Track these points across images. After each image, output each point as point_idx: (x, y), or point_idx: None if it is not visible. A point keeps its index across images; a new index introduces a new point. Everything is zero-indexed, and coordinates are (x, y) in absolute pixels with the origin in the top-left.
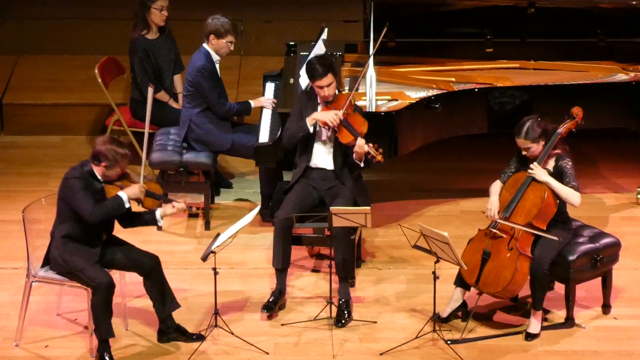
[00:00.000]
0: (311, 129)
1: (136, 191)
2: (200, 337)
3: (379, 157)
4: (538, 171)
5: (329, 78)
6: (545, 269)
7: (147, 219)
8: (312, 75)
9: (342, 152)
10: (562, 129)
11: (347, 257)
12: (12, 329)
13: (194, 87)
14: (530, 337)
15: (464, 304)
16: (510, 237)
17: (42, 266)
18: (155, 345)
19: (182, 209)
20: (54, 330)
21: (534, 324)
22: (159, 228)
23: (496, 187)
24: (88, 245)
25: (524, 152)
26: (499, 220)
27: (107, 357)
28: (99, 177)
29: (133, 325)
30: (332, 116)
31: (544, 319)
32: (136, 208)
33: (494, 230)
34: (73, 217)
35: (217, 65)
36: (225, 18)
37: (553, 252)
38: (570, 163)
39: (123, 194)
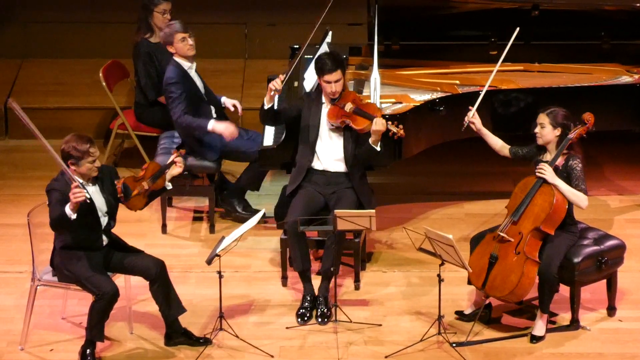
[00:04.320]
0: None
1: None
2: (207, 341)
3: (401, 132)
4: (549, 172)
5: (338, 74)
6: (555, 273)
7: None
8: (322, 70)
9: (353, 145)
10: (573, 135)
11: (338, 254)
12: (17, 332)
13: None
14: (535, 339)
15: (488, 306)
16: (518, 241)
17: (51, 264)
18: (161, 349)
19: (182, 164)
20: (59, 334)
21: (539, 326)
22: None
23: (496, 139)
24: (90, 251)
25: (536, 130)
26: (501, 233)
27: (89, 354)
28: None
29: (138, 329)
30: (273, 84)
31: (550, 322)
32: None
33: (501, 234)
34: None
35: (192, 72)
36: (172, 22)
37: (561, 255)
38: (580, 165)
39: (67, 209)
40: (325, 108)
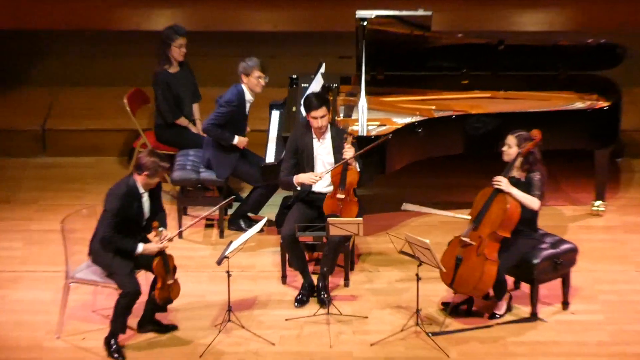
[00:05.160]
0: (299, 188)
1: (153, 250)
2: (174, 327)
3: (350, 139)
4: (504, 182)
5: (323, 110)
6: (503, 277)
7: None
8: (309, 107)
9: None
10: (522, 149)
11: (334, 260)
12: (53, 323)
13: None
14: (494, 316)
15: (470, 299)
16: (479, 245)
17: (91, 245)
18: (176, 337)
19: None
20: (90, 325)
21: (499, 307)
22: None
23: None
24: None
25: (504, 149)
26: (463, 238)
27: (113, 344)
28: (140, 187)
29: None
30: (313, 178)
31: (513, 315)
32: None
33: (464, 239)
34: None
35: (248, 105)
36: (254, 58)
37: (513, 261)
38: (538, 176)
39: (140, 246)
40: (316, 142)
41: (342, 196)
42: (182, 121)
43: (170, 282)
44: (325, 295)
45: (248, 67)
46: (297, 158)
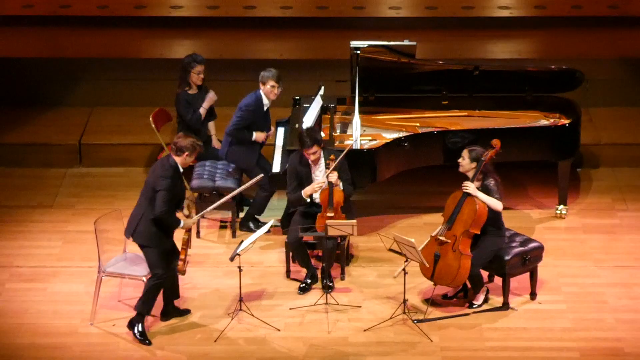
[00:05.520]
0: (308, 200)
1: (189, 225)
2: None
3: (332, 164)
4: (471, 187)
5: (314, 148)
6: (478, 273)
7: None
8: (302, 145)
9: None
10: (485, 157)
11: (332, 257)
12: (87, 312)
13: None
14: (472, 306)
15: (464, 287)
16: (454, 242)
17: (128, 235)
18: (193, 324)
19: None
20: (120, 312)
21: (477, 298)
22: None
23: None
24: (166, 233)
25: (459, 160)
26: (440, 237)
27: (140, 327)
28: (180, 167)
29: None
30: (316, 187)
31: (488, 304)
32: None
33: (441, 238)
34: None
35: (265, 108)
36: (273, 69)
37: (486, 258)
38: (492, 182)
39: (182, 222)
40: (312, 167)
41: (332, 214)
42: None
43: (188, 256)
44: (330, 283)
45: (264, 77)
46: (298, 180)
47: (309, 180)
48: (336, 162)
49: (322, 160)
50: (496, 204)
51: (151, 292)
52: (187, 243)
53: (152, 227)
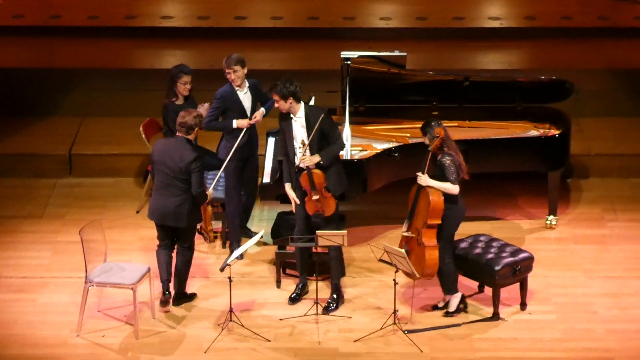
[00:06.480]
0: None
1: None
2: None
3: (303, 149)
4: (423, 178)
5: (275, 97)
6: (445, 261)
7: None
8: (270, 88)
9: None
10: (431, 146)
11: (340, 270)
12: (75, 323)
13: None
14: (448, 314)
15: (463, 299)
16: (417, 236)
17: (173, 222)
18: (181, 333)
19: None
20: (108, 322)
21: (452, 305)
22: None
23: None
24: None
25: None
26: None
27: (167, 292)
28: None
29: (160, 315)
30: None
31: (478, 315)
32: None
33: (405, 234)
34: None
35: (241, 94)
36: (232, 55)
37: (450, 248)
38: (448, 160)
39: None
40: (293, 118)
41: (317, 197)
42: None
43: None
44: (335, 304)
45: (223, 65)
46: (282, 136)
47: (290, 132)
48: (312, 134)
49: (302, 114)
50: (451, 188)
51: (189, 263)
52: (211, 216)
53: (193, 206)
